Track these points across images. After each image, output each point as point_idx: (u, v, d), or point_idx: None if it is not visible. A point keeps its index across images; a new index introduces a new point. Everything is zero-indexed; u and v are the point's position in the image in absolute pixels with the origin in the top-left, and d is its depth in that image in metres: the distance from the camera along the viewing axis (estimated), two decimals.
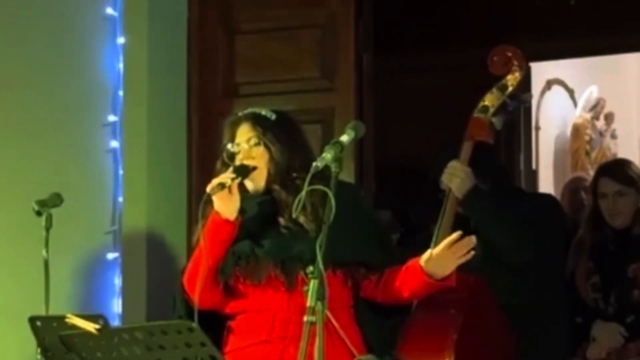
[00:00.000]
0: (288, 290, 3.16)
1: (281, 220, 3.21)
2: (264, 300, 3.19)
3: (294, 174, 3.19)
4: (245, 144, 3.26)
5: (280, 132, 3.27)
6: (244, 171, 3.21)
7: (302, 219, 3.17)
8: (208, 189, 3.13)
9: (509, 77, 3.82)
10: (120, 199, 4.98)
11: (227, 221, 3.16)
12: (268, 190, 3.26)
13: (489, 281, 3.67)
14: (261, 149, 3.25)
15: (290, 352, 3.13)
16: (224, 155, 3.29)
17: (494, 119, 3.78)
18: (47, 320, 3.28)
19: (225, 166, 3.27)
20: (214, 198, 3.14)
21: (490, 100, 3.79)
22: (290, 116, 3.42)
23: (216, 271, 3.19)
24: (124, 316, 4.91)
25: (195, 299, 3.10)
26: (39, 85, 5.13)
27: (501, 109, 3.78)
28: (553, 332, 3.89)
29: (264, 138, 3.25)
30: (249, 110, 3.36)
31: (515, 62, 3.82)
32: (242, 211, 3.19)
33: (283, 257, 3.17)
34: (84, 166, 5.05)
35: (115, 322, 4.75)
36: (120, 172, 4.99)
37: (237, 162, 3.24)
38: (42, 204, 3.97)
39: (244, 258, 3.19)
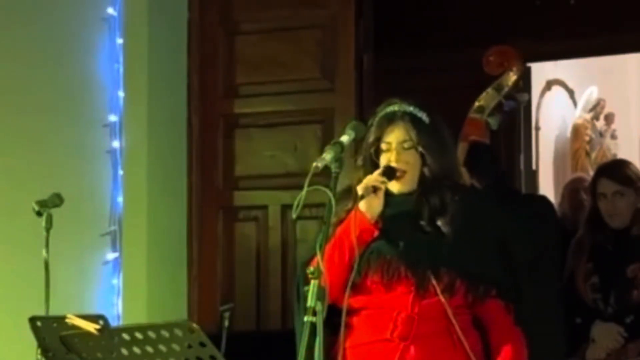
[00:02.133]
0: (418, 291, 3.10)
1: (422, 222, 3.15)
2: (389, 299, 3.13)
3: (444, 180, 3.15)
4: (398, 145, 3.17)
5: (435, 138, 3.18)
6: (391, 174, 3.14)
7: (440, 222, 3.12)
8: (360, 189, 3.07)
9: (505, 77, 3.82)
10: (120, 199, 4.99)
11: (373, 224, 3.12)
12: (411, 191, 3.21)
13: None
14: (414, 154, 3.16)
15: (411, 353, 3.09)
16: (371, 152, 3.19)
17: (489, 119, 3.78)
18: (48, 320, 3.27)
19: (370, 164, 3.19)
20: (363, 199, 3.09)
21: (486, 100, 3.80)
22: (439, 116, 3.27)
23: (350, 268, 3.09)
24: (124, 316, 4.92)
25: (345, 301, 3.03)
26: (39, 85, 5.13)
27: (497, 109, 3.78)
28: (550, 333, 3.89)
29: (419, 144, 3.15)
30: (404, 107, 3.20)
31: (512, 63, 3.82)
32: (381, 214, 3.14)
33: (416, 258, 3.11)
34: (84, 166, 5.05)
35: (115, 323, 4.75)
36: (120, 172, 5.00)
37: (386, 163, 3.16)
38: (42, 204, 3.97)
39: (375, 254, 3.12)
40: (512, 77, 3.83)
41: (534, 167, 7.49)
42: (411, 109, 3.20)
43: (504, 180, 4.12)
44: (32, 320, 3.25)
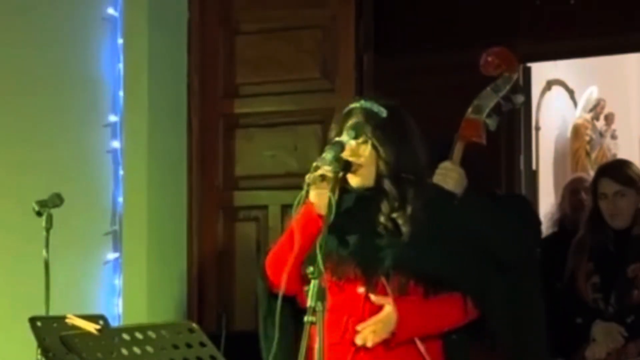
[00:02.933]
0: (367, 292, 3.07)
1: (381, 218, 3.11)
2: (340, 301, 3.09)
3: (403, 174, 3.09)
4: (353, 140, 3.14)
5: (391, 131, 3.15)
6: (346, 167, 3.10)
7: (400, 221, 3.07)
8: (308, 178, 3.02)
9: (503, 78, 3.83)
10: (120, 199, 4.99)
11: (320, 215, 3.05)
12: (369, 186, 3.17)
13: None
14: (369, 148, 3.13)
15: (360, 356, 3.06)
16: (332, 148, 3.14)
17: (488, 120, 3.78)
18: (48, 320, 3.28)
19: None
20: (311, 189, 3.03)
21: (483, 101, 3.80)
22: (402, 111, 3.25)
23: (301, 262, 3.09)
24: (124, 316, 4.92)
25: (282, 286, 2.99)
26: (39, 85, 5.14)
27: (495, 110, 3.79)
28: (533, 334, 3.88)
29: (373, 137, 3.13)
30: (362, 102, 3.21)
31: (509, 63, 3.83)
32: (337, 206, 3.06)
33: (366, 258, 3.07)
34: (84, 166, 5.06)
35: (116, 323, 4.75)
36: (121, 172, 5.00)
37: (343, 157, 3.11)
38: (43, 204, 3.97)
39: (327, 253, 3.05)
40: (510, 77, 3.84)
41: (534, 167, 7.48)
42: (368, 104, 3.18)
43: (485, 183, 4.09)
44: (32, 320, 3.26)
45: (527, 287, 3.84)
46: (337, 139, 3.03)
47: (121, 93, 5.03)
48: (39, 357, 3.28)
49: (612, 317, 4.26)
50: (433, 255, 3.06)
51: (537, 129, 8.26)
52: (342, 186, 3.11)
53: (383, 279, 3.05)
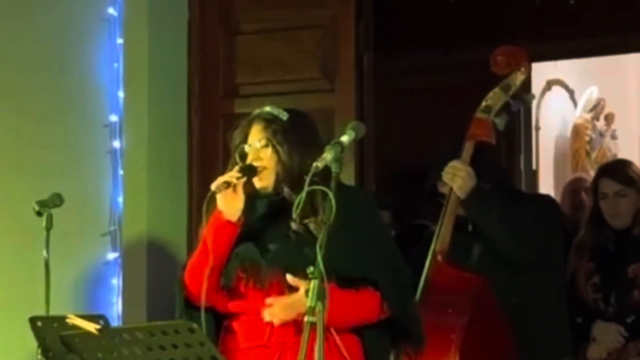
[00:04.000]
0: (285, 277, 3.10)
1: (292, 225, 3.16)
2: (265, 304, 3.15)
3: (305, 177, 3.04)
4: (257, 143, 3.22)
5: (291, 133, 3.20)
6: (250, 171, 3.17)
7: (312, 226, 3.11)
8: (213, 186, 3.10)
9: (512, 77, 3.83)
10: (120, 199, 4.99)
11: (229, 222, 3.13)
12: (278, 190, 3.22)
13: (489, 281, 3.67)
14: (270, 150, 3.20)
15: (287, 358, 3.09)
16: (236, 154, 3.25)
17: (496, 120, 3.78)
18: (48, 320, 3.28)
19: (237, 166, 3.23)
20: (218, 196, 3.11)
21: (493, 100, 3.80)
22: (304, 116, 3.34)
23: (219, 270, 3.17)
24: (124, 316, 4.92)
25: (202, 297, 3.08)
26: (39, 85, 5.13)
27: (504, 109, 3.78)
28: (552, 333, 3.89)
29: (273, 139, 3.20)
30: (263, 109, 3.29)
31: (519, 62, 3.83)
32: (248, 211, 3.16)
33: (289, 263, 3.11)
34: (84, 166, 5.05)
35: (116, 323, 4.75)
36: (120, 172, 5.00)
37: (247, 162, 3.21)
38: (43, 204, 3.97)
39: (248, 262, 3.16)
40: (519, 77, 3.84)
41: (534, 167, 7.49)
42: (268, 109, 3.27)
43: (507, 180, 4.11)
44: (33, 320, 3.25)
45: (543, 289, 3.85)
46: (334, 141, 3.01)
47: (121, 93, 5.03)
48: (39, 357, 3.28)
49: (612, 317, 4.26)
50: (346, 254, 3.08)
51: (537, 129, 8.26)
52: (252, 191, 3.18)
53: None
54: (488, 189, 3.78)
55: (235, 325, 3.23)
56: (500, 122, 3.78)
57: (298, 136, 3.21)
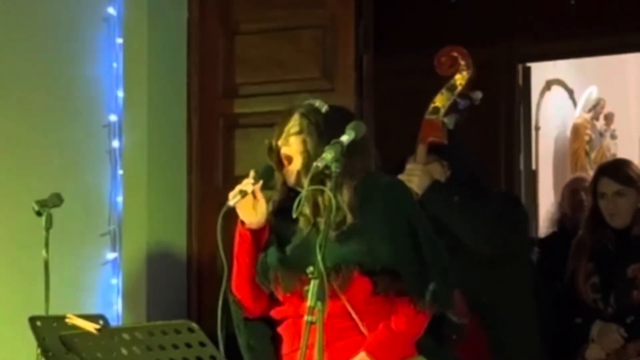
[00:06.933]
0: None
1: (318, 219, 3.10)
2: (303, 307, 3.00)
3: (325, 172, 2.95)
4: (288, 130, 3.16)
5: (323, 126, 3.13)
6: (266, 172, 3.13)
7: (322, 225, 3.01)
8: (230, 198, 3.02)
9: (457, 77, 3.91)
10: (120, 199, 4.99)
11: (249, 230, 3.09)
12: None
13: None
14: (300, 138, 3.14)
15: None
16: (278, 144, 3.19)
17: (445, 119, 3.86)
18: (47, 320, 3.28)
19: (251, 171, 3.17)
20: (237, 208, 3.05)
21: (440, 101, 3.87)
22: (344, 113, 3.24)
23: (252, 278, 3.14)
24: (124, 316, 4.92)
25: (256, 312, 3.15)
26: (39, 85, 5.13)
27: (452, 108, 3.85)
28: (524, 332, 3.88)
29: (306, 129, 3.13)
30: (307, 99, 3.22)
31: (462, 62, 3.91)
32: (275, 213, 3.11)
33: (304, 263, 2.97)
34: (84, 166, 5.05)
35: (115, 323, 4.75)
36: (120, 172, 5.00)
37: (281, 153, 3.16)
38: (42, 204, 3.97)
39: (272, 270, 3.12)
40: (464, 76, 3.90)
41: (533, 167, 7.49)
42: (311, 100, 3.21)
43: (475, 178, 4.08)
44: (32, 320, 3.26)
45: (510, 288, 3.87)
46: (334, 141, 2.98)
47: (120, 93, 5.03)
48: (39, 357, 3.28)
49: (611, 317, 4.26)
50: (369, 246, 3.03)
51: (537, 128, 8.26)
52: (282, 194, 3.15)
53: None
54: (446, 184, 3.82)
55: (280, 330, 3.20)
56: (450, 121, 3.86)
57: (332, 130, 3.11)
